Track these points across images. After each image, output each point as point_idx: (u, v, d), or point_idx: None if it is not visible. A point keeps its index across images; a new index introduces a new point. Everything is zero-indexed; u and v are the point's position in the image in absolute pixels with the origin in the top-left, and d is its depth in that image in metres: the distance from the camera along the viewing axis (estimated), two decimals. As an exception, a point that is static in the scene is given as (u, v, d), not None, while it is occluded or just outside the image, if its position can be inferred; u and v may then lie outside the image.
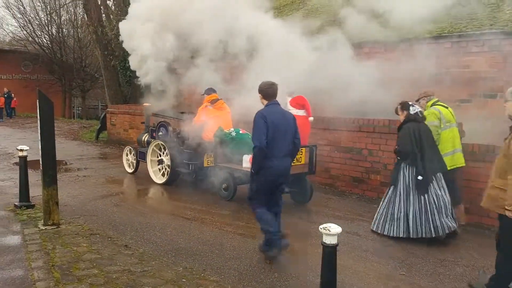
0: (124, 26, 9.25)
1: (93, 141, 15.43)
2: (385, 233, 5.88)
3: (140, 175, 9.35)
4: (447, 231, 5.66)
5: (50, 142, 5.79)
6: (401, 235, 5.75)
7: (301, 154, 7.16)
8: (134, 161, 9.58)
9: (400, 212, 5.80)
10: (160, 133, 8.95)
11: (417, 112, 5.93)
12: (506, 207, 3.81)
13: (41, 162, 5.84)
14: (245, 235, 5.81)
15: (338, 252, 3.64)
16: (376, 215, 6.12)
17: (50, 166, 5.80)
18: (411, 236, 5.69)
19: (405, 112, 5.97)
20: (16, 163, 10.53)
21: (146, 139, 9.47)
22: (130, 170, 9.71)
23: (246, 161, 7.04)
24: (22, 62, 28.93)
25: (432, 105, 6.41)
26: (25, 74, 29.69)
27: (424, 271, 4.80)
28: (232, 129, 7.71)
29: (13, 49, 28.87)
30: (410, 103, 6.03)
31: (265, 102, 5.14)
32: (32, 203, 6.71)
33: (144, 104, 9.71)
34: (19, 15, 27.06)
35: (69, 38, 28.58)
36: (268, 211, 5.04)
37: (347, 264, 4.90)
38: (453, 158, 6.20)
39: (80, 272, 4.41)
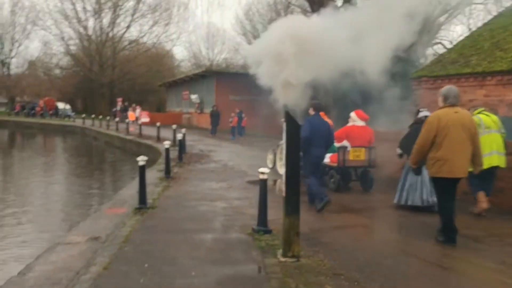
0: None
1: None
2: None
3: (380, 205, 8.56)
4: (426, 204, 7.89)
5: (294, 168, 5.37)
6: (401, 203, 8.16)
7: (360, 152, 9.59)
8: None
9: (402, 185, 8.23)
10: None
11: (422, 116, 8.00)
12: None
13: (283, 189, 5.46)
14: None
15: None
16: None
17: (293, 193, 5.36)
18: (403, 203, 8.10)
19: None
20: (249, 182, 10.80)
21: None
22: (270, 165, 12.49)
23: (327, 158, 9.47)
24: (252, 84, 31.11)
25: (477, 114, 7.86)
26: (253, 96, 31.89)
27: None
28: None
29: (246, 73, 31.28)
30: (420, 109, 8.42)
31: (313, 113, 8.34)
32: (269, 228, 6.43)
33: (282, 120, 11.10)
34: (253, 41, 29.19)
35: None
36: (316, 180, 8.03)
37: None
38: (490, 159, 7.38)
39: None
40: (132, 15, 53.97)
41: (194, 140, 21.83)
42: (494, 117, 7.90)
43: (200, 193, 9.33)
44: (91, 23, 54.99)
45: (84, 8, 53.53)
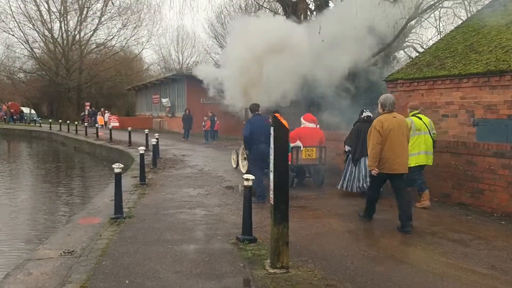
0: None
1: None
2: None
3: (357, 209, 8.41)
4: (361, 190, 9.16)
5: (283, 173, 5.15)
6: (342, 189, 9.66)
7: (311, 152, 10.42)
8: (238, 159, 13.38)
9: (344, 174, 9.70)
10: None
11: (364, 116, 9.35)
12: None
13: (271, 195, 5.23)
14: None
15: None
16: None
17: (282, 200, 5.13)
18: (344, 189, 9.58)
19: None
20: (228, 187, 10.55)
21: None
22: (234, 166, 13.71)
23: None
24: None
25: (411, 116, 8.57)
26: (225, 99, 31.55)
27: None
28: None
29: (217, 76, 30.93)
30: (364, 110, 9.51)
31: (252, 114, 9.42)
32: (254, 237, 6.18)
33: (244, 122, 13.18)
34: (225, 44, 28.93)
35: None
36: (260, 175, 8.72)
37: None
38: (418, 158, 8.33)
39: None
40: (100, 17, 52.75)
41: (167, 144, 21.37)
42: (427, 120, 8.64)
43: (178, 200, 9.01)
44: (56, 25, 53.53)
45: (49, 9, 52.01)
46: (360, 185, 9.28)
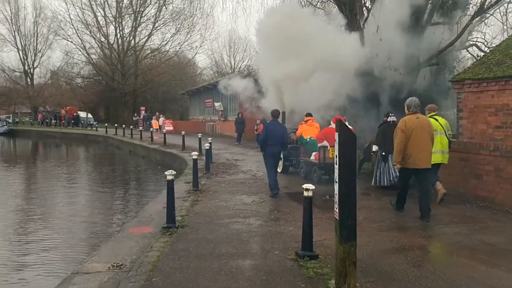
0: None
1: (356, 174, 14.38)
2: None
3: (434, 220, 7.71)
4: (392, 183, 10.19)
5: (350, 185, 4.57)
6: (376, 184, 10.67)
7: (332, 151, 10.64)
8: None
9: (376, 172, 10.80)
10: None
11: (390, 120, 10.40)
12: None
13: (336, 209, 4.68)
14: None
15: None
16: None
17: (349, 215, 4.56)
18: (377, 184, 10.62)
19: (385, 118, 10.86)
20: (282, 194, 10.05)
21: None
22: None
23: (313, 156, 11.96)
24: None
25: (429, 117, 8.75)
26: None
27: None
28: (309, 137, 12.31)
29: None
30: (390, 114, 10.64)
31: (271, 119, 10.38)
32: (316, 253, 5.64)
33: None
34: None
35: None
36: (274, 174, 9.97)
37: None
38: (434, 156, 8.38)
39: None
40: (154, 23, 53.73)
41: (219, 148, 21.13)
42: (443, 121, 9.19)
43: (232, 208, 8.59)
44: (112, 31, 54.99)
45: (105, 16, 53.49)
46: (391, 178, 10.23)
